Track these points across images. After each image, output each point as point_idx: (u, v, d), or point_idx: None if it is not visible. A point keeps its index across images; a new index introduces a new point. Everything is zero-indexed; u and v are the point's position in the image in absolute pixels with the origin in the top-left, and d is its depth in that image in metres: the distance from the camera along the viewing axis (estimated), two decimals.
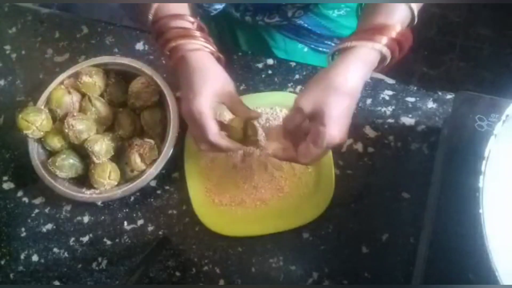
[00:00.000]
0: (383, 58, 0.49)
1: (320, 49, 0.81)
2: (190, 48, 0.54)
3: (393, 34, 0.47)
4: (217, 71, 0.55)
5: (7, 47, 0.82)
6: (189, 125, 0.55)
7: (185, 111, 0.54)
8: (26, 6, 0.85)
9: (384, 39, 0.47)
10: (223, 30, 0.87)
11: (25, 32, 0.83)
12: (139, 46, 0.76)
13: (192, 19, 0.55)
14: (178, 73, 0.56)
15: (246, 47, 0.85)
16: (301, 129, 0.51)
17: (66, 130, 0.63)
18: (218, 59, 0.57)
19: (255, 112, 0.58)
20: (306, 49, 0.81)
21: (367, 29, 0.48)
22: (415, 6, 0.49)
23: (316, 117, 0.47)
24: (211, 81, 0.53)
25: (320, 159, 0.51)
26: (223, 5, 0.69)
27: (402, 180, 0.61)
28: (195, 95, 0.52)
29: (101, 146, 0.62)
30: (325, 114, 0.46)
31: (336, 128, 0.47)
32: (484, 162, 0.40)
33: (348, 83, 0.47)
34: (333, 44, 0.80)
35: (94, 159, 0.63)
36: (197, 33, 0.55)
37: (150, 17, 0.56)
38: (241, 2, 0.74)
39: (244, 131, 0.57)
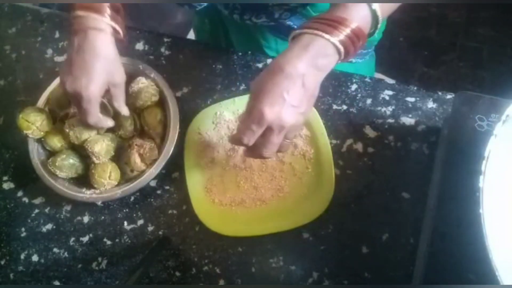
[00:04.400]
0: (338, 50, 0.47)
1: None
2: (93, 26, 0.54)
3: (347, 30, 0.47)
4: (115, 59, 0.57)
5: (7, 47, 0.82)
6: (71, 101, 0.58)
7: (72, 91, 0.55)
8: (26, 6, 0.85)
9: (336, 32, 0.46)
10: (217, 27, 0.87)
11: (25, 32, 0.82)
12: (139, 46, 0.76)
13: None
14: (72, 41, 0.55)
15: (239, 45, 0.85)
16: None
17: (67, 130, 0.63)
18: (119, 39, 0.58)
19: (124, 109, 0.62)
20: None
21: (322, 18, 0.48)
22: (379, 8, 0.47)
23: (256, 95, 0.48)
24: (106, 70, 0.55)
25: (268, 151, 0.50)
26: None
27: (402, 180, 0.61)
28: (89, 81, 0.54)
29: (101, 147, 0.62)
30: (260, 91, 0.47)
31: (267, 103, 0.46)
32: (484, 162, 0.40)
33: (289, 65, 0.46)
34: None
35: (94, 159, 0.63)
36: (108, 11, 0.55)
37: None
38: (227, 2, 0.74)
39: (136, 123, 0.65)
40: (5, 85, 0.80)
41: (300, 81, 0.47)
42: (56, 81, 0.70)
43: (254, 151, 0.51)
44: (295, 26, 0.75)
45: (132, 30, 0.78)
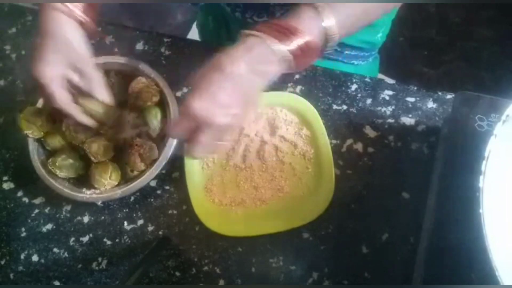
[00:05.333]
0: (284, 59, 0.46)
1: None
2: (54, 7, 0.54)
3: (299, 40, 0.45)
4: (74, 41, 0.55)
5: (7, 47, 0.82)
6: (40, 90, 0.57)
7: (35, 74, 0.55)
8: (26, 6, 0.85)
9: (287, 41, 0.45)
10: (220, 25, 0.87)
11: (25, 32, 0.83)
12: (139, 46, 0.76)
13: None
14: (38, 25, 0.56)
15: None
16: None
17: (64, 130, 0.63)
18: (89, 30, 0.57)
19: (103, 96, 0.59)
20: None
21: (276, 24, 0.46)
22: (335, 26, 0.47)
23: (193, 88, 0.47)
24: (63, 51, 0.54)
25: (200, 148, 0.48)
26: None
27: (402, 180, 0.61)
28: (44, 63, 0.53)
29: (99, 147, 0.62)
30: (196, 84, 0.46)
31: (197, 97, 0.45)
32: (484, 162, 0.40)
33: (228, 64, 0.45)
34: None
35: (93, 159, 0.63)
36: None
37: None
38: (230, 2, 0.74)
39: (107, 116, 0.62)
40: (5, 85, 0.80)
41: (235, 82, 0.46)
42: None
43: (188, 149, 0.49)
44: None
45: (132, 30, 0.78)
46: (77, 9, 0.55)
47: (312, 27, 0.46)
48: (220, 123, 0.46)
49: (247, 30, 0.47)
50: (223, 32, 0.87)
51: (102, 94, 0.59)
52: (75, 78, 0.57)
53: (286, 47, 0.45)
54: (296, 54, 0.46)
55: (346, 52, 0.81)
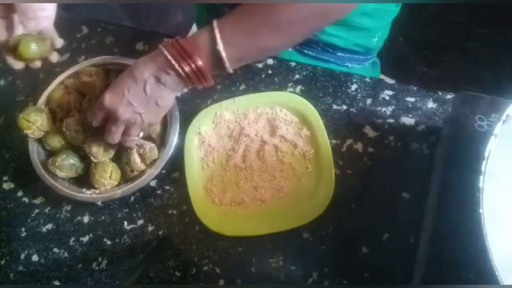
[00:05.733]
0: (180, 76, 0.52)
1: (305, 51, 0.79)
2: None
3: (192, 64, 0.50)
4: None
5: None
6: None
7: None
8: None
9: (183, 63, 0.50)
10: (212, 15, 0.87)
11: None
12: (139, 46, 0.76)
13: None
14: None
15: None
16: None
17: (64, 130, 0.63)
18: None
19: (37, 24, 0.61)
20: (290, 49, 0.81)
21: (180, 44, 0.51)
22: (224, 52, 0.49)
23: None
24: None
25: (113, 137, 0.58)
26: None
27: (402, 180, 0.61)
28: None
29: (99, 147, 0.62)
30: (113, 82, 0.55)
31: (109, 93, 0.54)
32: (484, 162, 0.40)
33: (136, 69, 0.53)
34: (319, 49, 0.79)
35: (93, 159, 0.63)
36: None
37: None
38: (216, 2, 0.75)
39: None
40: (5, 85, 0.80)
41: (141, 86, 0.53)
42: (56, 81, 0.70)
43: (103, 135, 0.59)
44: None
45: (132, 30, 0.78)
46: None
47: (204, 52, 0.50)
48: (125, 117, 0.55)
49: (161, 43, 0.52)
50: None
51: (35, 26, 0.60)
52: (14, 16, 0.58)
53: (179, 68, 0.51)
54: (188, 74, 0.51)
55: (339, 54, 0.80)
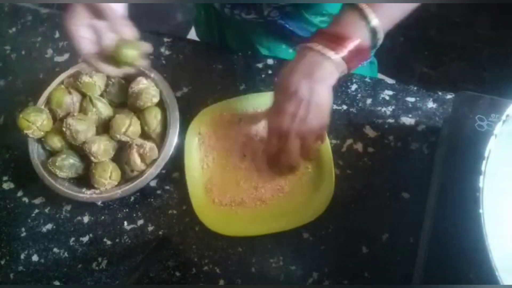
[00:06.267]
0: (338, 64, 0.50)
1: None
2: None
3: (351, 46, 0.49)
4: None
5: (7, 47, 0.82)
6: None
7: (64, 24, 0.56)
8: (26, 6, 0.85)
9: (339, 48, 0.49)
10: (211, 20, 0.87)
11: (25, 32, 0.83)
12: None
13: None
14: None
15: (231, 39, 0.85)
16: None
17: (64, 130, 0.63)
18: None
19: (129, 30, 0.57)
20: (291, 50, 0.81)
21: (327, 33, 0.50)
22: (379, 24, 0.49)
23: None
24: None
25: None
26: None
27: (402, 180, 0.61)
28: (68, 12, 0.55)
29: (99, 147, 0.62)
30: (273, 108, 0.55)
31: (268, 117, 0.56)
32: (484, 162, 0.40)
33: (282, 79, 0.52)
34: None
35: (93, 159, 0.63)
36: None
37: None
38: (216, 2, 0.75)
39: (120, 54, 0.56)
40: (5, 85, 0.80)
41: (296, 93, 0.51)
42: (56, 81, 0.70)
43: (284, 160, 0.56)
44: (287, 25, 0.76)
45: None
46: None
47: (360, 31, 0.49)
48: (293, 130, 0.52)
49: (302, 43, 0.51)
50: (214, 27, 0.87)
51: (128, 32, 0.57)
52: (100, 24, 0.57)
53: (339, 55, 0.49)
54: (348, 59, 0.49)
55: None
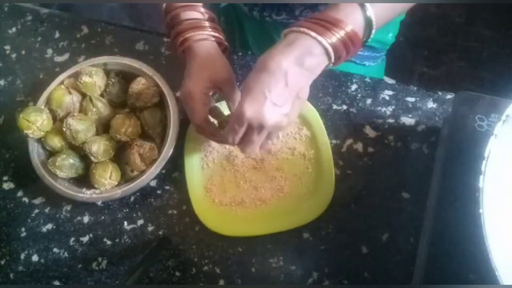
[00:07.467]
0: (327, 51, 0.46)
1: None
2: (197, 38, 0.56)
3: (341, 32, 0.46)
4: (215, 57, 0.56)
5: (7, 47, 0.82)
6: (184, 106, 0.57)
7: (180, 95, 0.57)
8: (26, 6, 0.85)
9: (328, 34, 0.45)
10: (232, 26, 0.87)
11: (25, 32, 0.83)
12: (139, 46, 0.76)
13: (203, 10, 0.58)
14: (185, 60, 0.58)
15: (253, 42, 0.85)
16: None
17: (64, 130, 0.63)
18: (223, 48, 0.59)
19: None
20: None
21: (315, 18, 0.47)
22: (374, 16, 0.47)
23: (241, 94, 0.48)
24: (207, 67, 0.55)
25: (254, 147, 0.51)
26: None
27: (402, 180, 0.61)
28: (189, 79, 0.55)
29: (99, 147, 0.62)
30: (244, 89, 0.47)
31: (247, 101, 0.45)
32: (484, 162, 0.40)
33: (272, 61, 0.45)
34: None
35: (93, 159, 0.63)
36: (206, 23, 0.57)
37: (163, 6, 0.59)
38: (249, 2, 0.74)
39: None
40: (5, 85, 0.80)
41: (283, 79, 0.45)
42: (56, 81, 0.70)
43: (240, 147, 0.52)
44: None
45: (132, 30, 0.78)
46: (219, 35, 0.59)
47: (355, 16, 0.46)
48: (272, 123, 0.46)
49: (287, 29, 0.47)
50: (236, 32, 0.87)
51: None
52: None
53: (328, 40, 0.45)
54: (338, 46, 0.46)
55: (360, 52, 0.80)
